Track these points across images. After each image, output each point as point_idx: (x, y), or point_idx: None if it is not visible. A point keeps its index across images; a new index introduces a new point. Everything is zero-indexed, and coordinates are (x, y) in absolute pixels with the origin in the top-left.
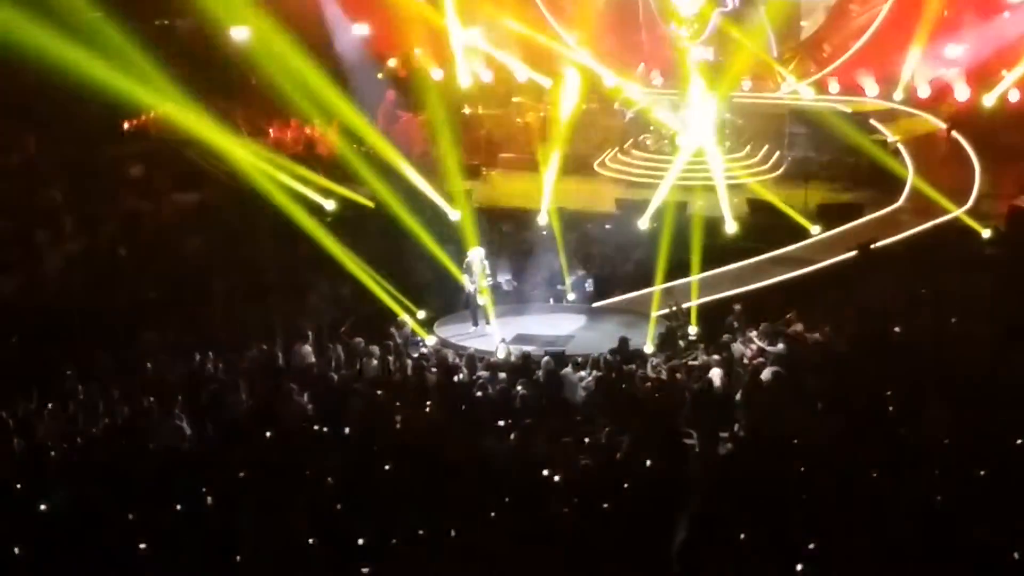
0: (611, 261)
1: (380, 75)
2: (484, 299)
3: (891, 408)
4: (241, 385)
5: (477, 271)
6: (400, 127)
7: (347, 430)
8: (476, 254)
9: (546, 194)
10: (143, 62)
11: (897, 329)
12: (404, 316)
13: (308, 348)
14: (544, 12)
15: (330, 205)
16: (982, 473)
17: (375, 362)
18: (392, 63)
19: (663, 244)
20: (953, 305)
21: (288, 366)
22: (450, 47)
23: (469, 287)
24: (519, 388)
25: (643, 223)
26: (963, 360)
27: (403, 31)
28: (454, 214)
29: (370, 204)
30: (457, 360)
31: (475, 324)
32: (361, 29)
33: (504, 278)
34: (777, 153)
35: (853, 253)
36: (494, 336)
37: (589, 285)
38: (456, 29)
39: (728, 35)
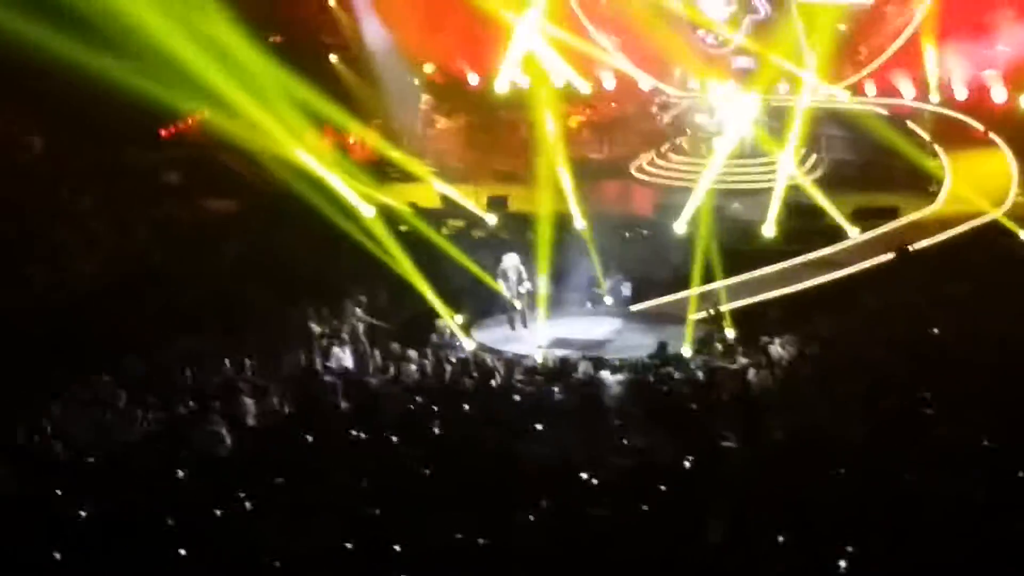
0: (649, 265)
1: (416, 80)
2: (521, 303)
3: (929, 410)
4: (277, 390)
5: (513, 277)
6: (437, 133)
7: (384, 434)
8: (511, 259)
9: (583, 198)
10: (182, 65)
11: (935, 331)
12: (443, 319)
13: (345, 352)
14: (580, 16)
15: (370, 211)
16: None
17: (413, 367)
18: (429, 68)
19: (700, 248)
20: (991, 307)
21: (325, 370)
22: (489, 52)
23: (505, 292)
24: (556, 392)
25: (680, 227)
26: (1002, 362)
27: (438, 35)
28: (490, 218)
29: (407, 210)
30: (495, 364)
31: (512, 328)
32: (392, 31)
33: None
34: (813, 156)
35: (891, 256)
36: (532, 340)
37: (627, 289)
38: (525, 31)
39: (763, 42)
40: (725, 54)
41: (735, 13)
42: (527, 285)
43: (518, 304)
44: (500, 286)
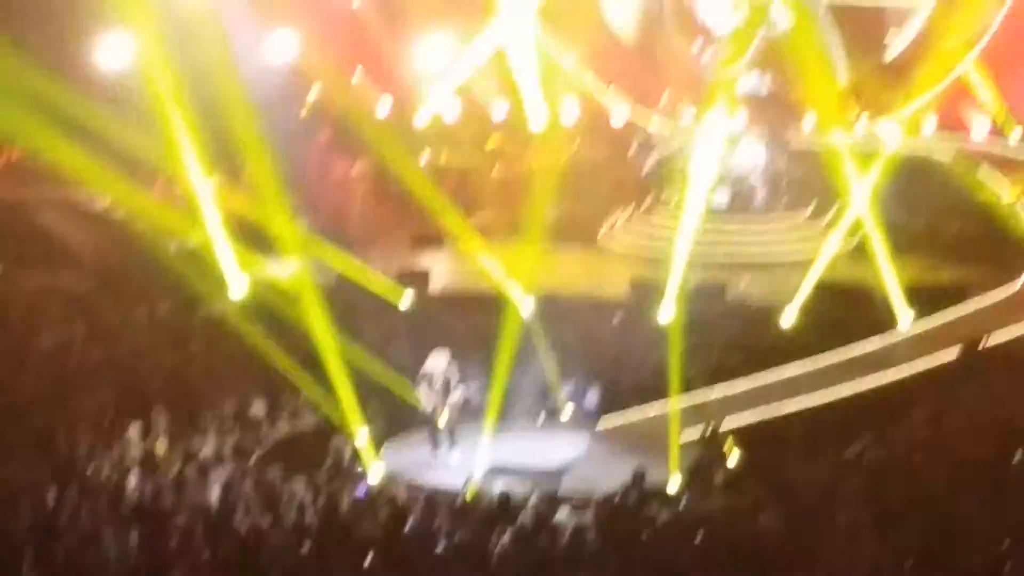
0: (621, 365)
1: (305, 109)
2: (449, 417)
3: (1009, 567)
4: (110, 535)
5: (439, 382)
6: (334, 181)
7: None
8: (438, 359)
9: (534, 273)
10: None
11: (1020, 456)
12: (340, 437)
13: (207, 485)
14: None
15: (240, 290)
16: None
17: (297, 502)
18: (315, 92)
19: (692, 342)
20: None
21: (178, 508)
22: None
23: (428, 403)
24: (497, 541)
25: (665, 313)
26: None
27: (340, 45)
28: (406, 301)
29: (292, 288)
30: (410, 501)
31: (436, 449)
32: (286, 41)
33: (472, 388)
34: (851, 216)
35: (957, 353)
36: (463, 468)
37: (592, 398)
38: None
39: (783, 59)
40: (730, 77)
41: (746, 24)
42: (459, 393)
43: (445, 418)
44: (420, 394)
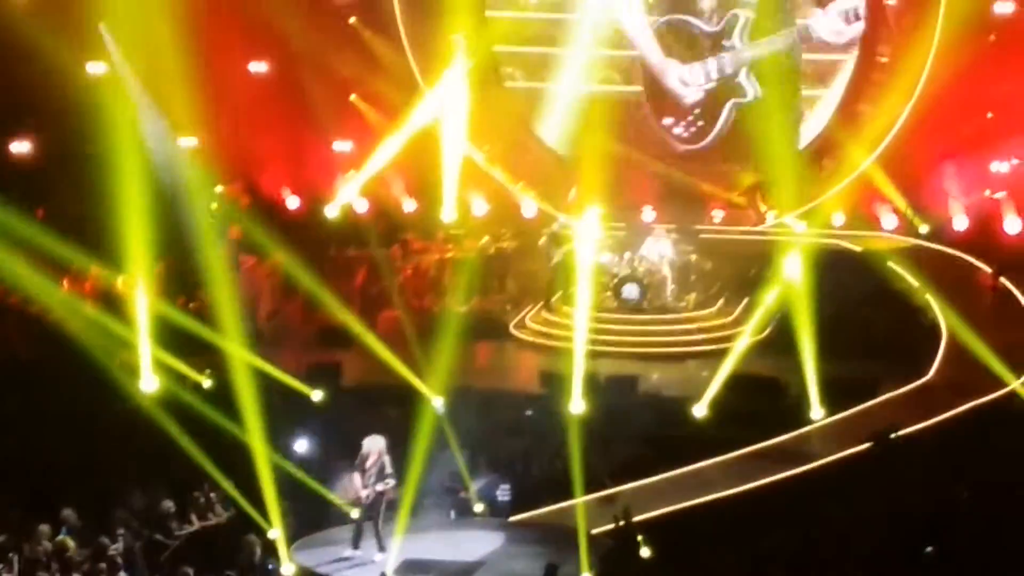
0: (532, 459)
1: (214, 205)
2: (377, 505)
3: None
4: None
5: (374, 470)
6: (244, 276)
7: None
8: (374, 444)
9: (444, 366)
10: None
11: (929, 550)
12: (250, 536)
13: None
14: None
15: (151, 385)
16: None
17: None
18: (219, 189)
19: (602, 434)
20: (1008, 512)
21: None
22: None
23: (361, 492)
24: None
25: (576, 406)
26: None
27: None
28: (316, 394)
29: (204, 380)
30: None
31: (356, 546)
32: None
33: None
34: (762, 307)
35: (867, 445)
36: (378, 564)
37: (503, 492)
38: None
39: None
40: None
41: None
42: (390, 482)
43: (373, 505)
44: (355, 482)
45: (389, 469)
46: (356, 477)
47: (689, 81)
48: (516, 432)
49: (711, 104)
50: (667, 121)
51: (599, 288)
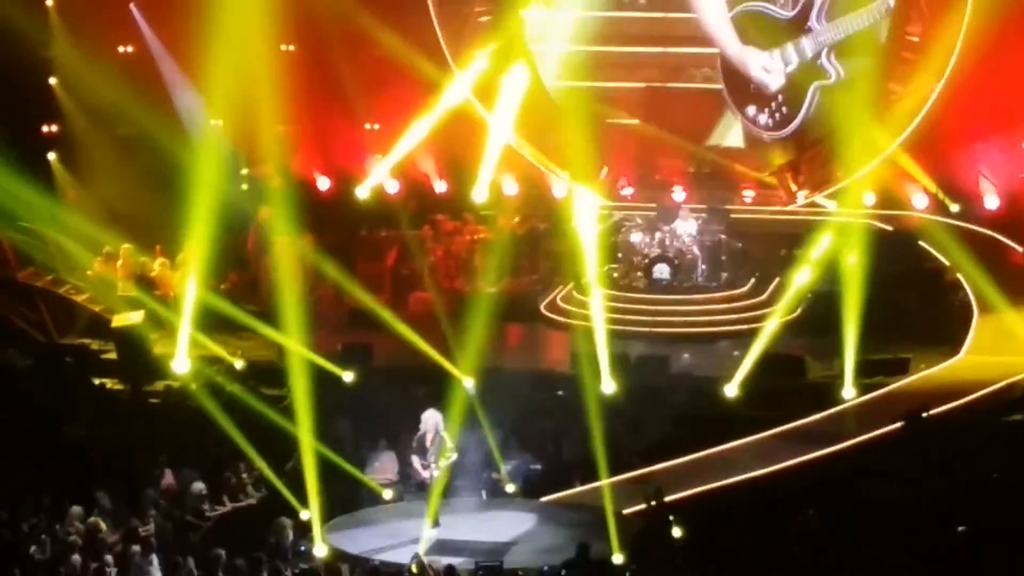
0: (565, 438)
1: (244, 186)
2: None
3: None
4: None
5: (433, 446)
6: (273, 256)
7: None
8: (430, 419)
9: (475, 347)
10: None
11: (961, 529)
12: (283, 518)
13: (149, 564)
14: (473, 99)
15: (183, 366)
16: None
17: None
18: (247, 170)
19: (635, 414)
20: None
21: None
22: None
23: (423, 474)
24: None
25: (607, 386)
26: None
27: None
28: (347, 374)
29: (237, 361)
30: None
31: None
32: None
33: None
34: (794, 287)
35: (899, 425)
36: (417, 544)
37: (535, 472)
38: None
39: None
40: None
41: (798, 78)
42: (452, 456)
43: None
44: (415, 461)
45: (449, 443)
46: (415, 459)
47: (771, 68)
48: (547, 413)
49: (794, 89)
50: (750, 110)
51: (630, 268)
